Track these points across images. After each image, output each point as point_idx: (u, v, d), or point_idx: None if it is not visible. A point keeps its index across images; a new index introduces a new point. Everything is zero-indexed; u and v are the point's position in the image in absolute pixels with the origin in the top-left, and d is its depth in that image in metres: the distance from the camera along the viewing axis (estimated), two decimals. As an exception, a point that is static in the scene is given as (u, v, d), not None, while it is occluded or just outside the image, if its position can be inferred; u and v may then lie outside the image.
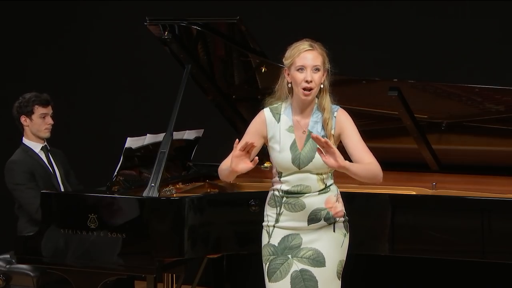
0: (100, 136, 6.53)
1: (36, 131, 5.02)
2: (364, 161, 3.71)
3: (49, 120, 5.04)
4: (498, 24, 5.57)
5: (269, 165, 5.25)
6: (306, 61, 3.69)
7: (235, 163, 3.62)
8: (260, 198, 4.25)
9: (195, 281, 5.31)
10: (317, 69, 3.70)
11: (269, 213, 3.84)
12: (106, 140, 6.33)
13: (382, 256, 4.44)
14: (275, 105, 3.84)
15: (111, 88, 6.57)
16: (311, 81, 3.68)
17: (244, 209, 4.39)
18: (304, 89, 3.70)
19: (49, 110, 5.05)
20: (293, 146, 3.77)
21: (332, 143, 3.62)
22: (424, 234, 4.33)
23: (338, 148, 3.63)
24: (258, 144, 3.80)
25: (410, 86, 4.60)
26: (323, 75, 3.74)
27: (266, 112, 3.83)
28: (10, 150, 5.10)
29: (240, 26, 4.66)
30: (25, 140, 5.04)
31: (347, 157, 3.70)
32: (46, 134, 5.05)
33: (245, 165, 3.62)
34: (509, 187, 4.74)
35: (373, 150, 4.89)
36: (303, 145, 3.76)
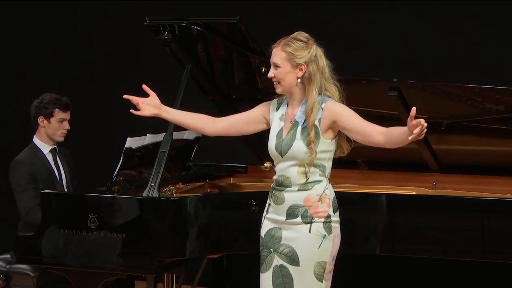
0: (100, 136, 6.53)
1: (51, 134, 5.01)
2: (379, 130, 3.71)
3: (66, 125, 5.03)
4: (498, 24, 5.57)
5: (269, 165, 5.27)
6: (271, 57, 3.87)
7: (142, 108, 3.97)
8: (260, 198, 4.26)
9: (195, 281, 5.31)
10: (277, 66, 3.82)
11: (266, 204, 3.93)
12: (106, 140, 6.33)
13: (382, 256, 4.44)
14: (281, 99, 3.97)
15: (111, 88, 6.56)
16: (271, 77, 3.83)
17: (244, 209, 4.39)
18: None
19: (68, 115, 5.04)
20: (279, 133, 3.85)
21: (313, 133, 3.75)
22: (424, 234, 4.33)
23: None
24: (257, 119, 3.98)
25: (410, 86, 4.60)
26: (297, 70, 3.79)
27: (273, 101, 3.98)
28: (19, 147, 5.10)
29: (240, 26, 4.66)
30: (36, 140, 5.04)
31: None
32: (60, 138, 5.05)
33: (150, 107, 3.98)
34: (509, 187, 4.74)
35: (374, 150, 4.90)
36: (287, 134, 3.83)
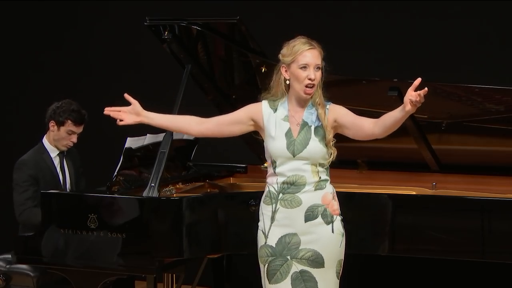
0: (100, 136, 6.53)
1: (56, 141, 4.99)
2: (371, 120, 3.76)
3: (74, 139, 5.00)
4: (498, 24, 5.57)
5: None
6: (309, 59, 3.76)
7: (123, 117, 3.87)
8: (260, 198, 4.26)
9: (195, 281, 5.31)
10: (319, 68, 3.78)
11: (265, 211, 3.85)
12: (106, 140, 6.33)
13: (381, 256, 4.44)
14: (272, 100, 3.90)
15: (111, 88, 6.56)
16: (314, 79, 3.76)
17: (244, 209, 4.39)
18: (307, 86, 3.76)
19: (79, 129, 5.00)
20: (288, 133, 3.82)
21: (331, 134, 3.78)
22: (424, 234, 4.33)
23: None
24: (243, 120, 3.90)
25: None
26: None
27: (263, 103, 3.90)
28: (20, 147, 5.09)
29: (240, 26, 4.66)
30: (45, 141, 5.01)
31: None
32: (63, 149, 5.02)
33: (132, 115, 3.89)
34: (509, 187, 4.74)
35: (374, 150, 4.90)
36: (298, 134, 3.81)
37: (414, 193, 4.79)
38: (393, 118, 3.67)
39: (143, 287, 4.87)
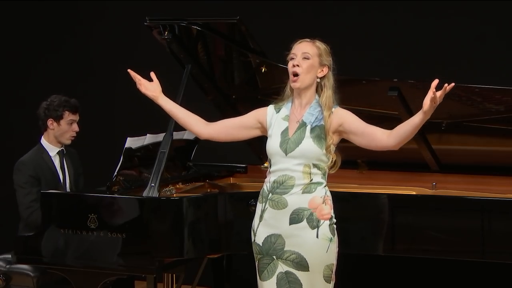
0: (100, 136, 6.53)
1: (59, 136, 4.99)
2: (385, 131, 3.75)
3: (76, 127, 5.02)
4: (498, 24, 5.57)
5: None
6: (296, 49, 3.81)
7: (143, 86, 4.02)
8: (260, 198, 4.26)
9: (195, 281, 5.31)
10: (307, 58, 3.79)
11: (257, 209, 3.89)
12: (106, 140, 6.33)
13: (381, 256, 4.44)
14: (278, 103, 3.93)
15: (111, 88, 6.57)
16: (297, 65, 3.77)
17: (244, 209, 4.39)
18: (292, 74, 3.78)
19: (77, 117, 5.03)
20: (284, 132, 3.83)
21: (330, 137, 3.77)
22: (424, 234, 4.33)
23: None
24: (251, 124, 3.94)
25: (410, 86, 4.59)
26: (320, 69, 3.81)
27: (269, 107, 3.94)
28: (22, 147, 5.09)
29: (240, 26, 4.66)
30: (43, 141, 5.01)
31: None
32: (69, 142, 5.02)
33: (150, 88, 4.04)
34: (509, 187, 4.74)
35: (374, 150, 4.89)
36: (294, 133, 3.81)
37: (414, 193, 4.79)
38: (409, 125, 3.67)
39: (143, 287, 4.87)
